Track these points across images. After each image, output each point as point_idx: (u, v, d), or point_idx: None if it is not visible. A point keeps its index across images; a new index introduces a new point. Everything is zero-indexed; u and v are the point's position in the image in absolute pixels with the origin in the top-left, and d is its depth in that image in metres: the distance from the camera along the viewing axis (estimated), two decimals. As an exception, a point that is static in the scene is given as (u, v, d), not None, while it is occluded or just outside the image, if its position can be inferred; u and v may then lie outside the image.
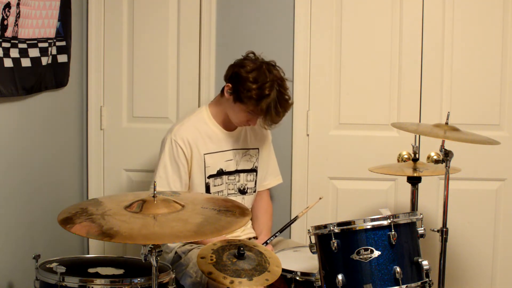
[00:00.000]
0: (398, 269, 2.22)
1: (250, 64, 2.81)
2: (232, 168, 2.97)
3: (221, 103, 2.93)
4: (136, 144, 3.52)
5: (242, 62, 2.84)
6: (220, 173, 2.94)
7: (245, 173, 3.01)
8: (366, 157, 3.38)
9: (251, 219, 3.11)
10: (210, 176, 2.92)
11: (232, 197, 2.95)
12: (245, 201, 3.02)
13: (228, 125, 2.97)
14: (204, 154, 2.89)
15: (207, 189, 2.91)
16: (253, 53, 2.87)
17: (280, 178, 3.22)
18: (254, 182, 3.05)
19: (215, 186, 2.93)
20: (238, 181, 3.00)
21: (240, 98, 2.79)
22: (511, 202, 3.42)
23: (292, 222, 2.89)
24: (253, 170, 3.04)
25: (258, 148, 3.06)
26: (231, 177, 2.97)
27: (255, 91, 2.74)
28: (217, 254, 2.35)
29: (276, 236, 2.85)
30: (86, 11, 3.46)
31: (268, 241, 2.83)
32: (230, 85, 2.84)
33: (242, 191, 3.01)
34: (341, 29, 3.40)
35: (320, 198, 2.88)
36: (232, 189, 2.98)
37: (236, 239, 2.62)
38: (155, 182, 2.24)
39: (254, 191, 3.07)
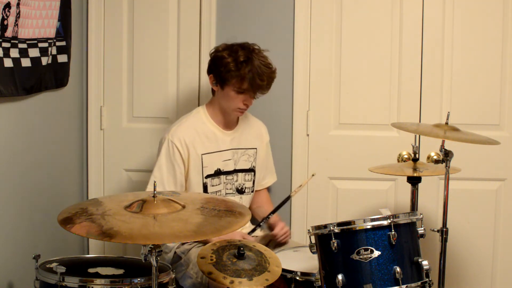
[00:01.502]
0: (398, 269, 2.22)
1: (222, 46, 2.93)
2: (230, 168, 2.97)
3: (215, 101, 2.97)
4: (136, 144, 3.52)
5: (215, 49, 2.96)
6: (218, 173, 2.94)
7: (243, 173, 3.02)
8: (366, 157, 3.38)
9: (253, 215, 3.12)
10: (208, 176, 2.92)
11: (230, 197, 2.96)
12: (243, 200, 3.02)
13: (226, 124, 2.97)
14: (202, 154, 2.90)
15: (205, 189, 2.91)
16: (224, 43, 2.95)
17: (275, 176, 3.25)
18: (252, 182, 3.05)
19: (212, 186, 2.93)
20: (236, 180, 3.00)
21: (223, 79, 2.84)
22: (511, 202, 3.43)
23: (285, 202, 2.90)
24: (251, 170, 3.04)
25: (256, 148, 3.06)
26: (229, 177, 2.97)
27: (232, 63, 2.81)
28: (217, 254, 2.35)
29: (268, 218, 2.88)
30: (86, 11, 3.46)
31: (261, 224, 2.86)
32: (212, 75, 2.91)
33: (240, 191, 3.02)
34: (341, 29, 3.40)
35: (313, 175, 2.89)
36: (230, 189, 2.98)
37: (236, 239, 2.62)
38: (155, 182, 2.24)
39: (252, 191, 3.07)
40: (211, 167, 2.92)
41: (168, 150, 2.86)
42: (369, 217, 2.29)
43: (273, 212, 2.90)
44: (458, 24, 3.35)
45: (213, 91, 2.98)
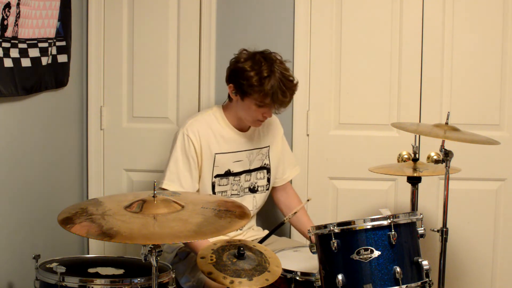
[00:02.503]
0: (398, 269, 2.22)
1: (243, 56, 2.83)
2: (240, 169, 2.95)
3: (231, 107, 2.92)
4: (136, 144, 3.52)
5: (236, 58, 2.86)
6: (227, 173, 2.92)
7: (255, 172, 3.00)
8: (366, 157, 3.38)
9: (291, 222, 3.10)
10: (217, 176, 2.90)
11: (235, 198, 2.94)
12: (256, 199, 3.01)
13: (241, 126, 2.94)
14: (216, 153, 2.88)
15: (213, 189, 2.90)
16: (245, 50, 2.87)
17: (297, 169, 3.21)
18: (266, 180, 3.04)
19: (219, 185, 2.91)
20: (248, 180, 2.98)
21: (245, 92, 2.78)
22: (511, 202, 3.42)
23: (279, 227, 2.84)
24: (263, 168, 3.02)
25: (268, 146, 3.04)
26: (236, 178, 2.96)
27: (255, 77, 2.74)
28: (217, 254, 2.35)
29: (264, 241, 2.84)
30: (86, 11, 3.46)
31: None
32: (232, 85, 2.84)
33: (252, 190, 3.00)
34: (341, 29, 3.40)
35: (308, 200, 2.85)
36: (236, 190, 2.97)
37: (236, 239, 2.62)
38: (155, 182, 2.23)
39: (267, 189, 3.05)
40: (222, 167, 2.91)
41: (184, 144, 2.83)
42: (369, 217, 2.28)
43: (268, 236, 2.85)
44: (458, 24, 3.35)
45: (229, 97, 2.91)
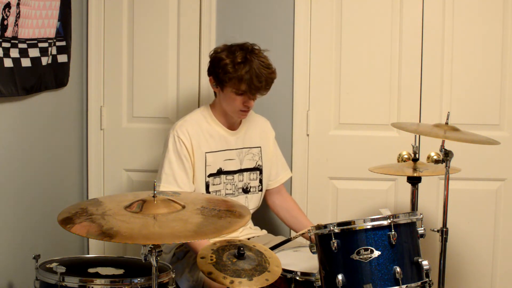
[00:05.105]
0: (398, 269, 2.22)
1: (221, 47, 2.90)
2: (233, 168, 2.96)
3: (217, 103, 2.95)
4: (136, 144, 3.52)
5: (214, 50, 2.93)
6: (219, 172, 2.94)
7: (248, 172, 3.01)
8: (366, 157, 3.38)
9: (290, 225, 3.11)
10: (210, 175, 2.91)
11: (230, 197, 2.95)
12: (249, 200, 3.01)
13: (230, 125, 2.97)
14: (206, 152, 2.89)
15: (207, 188, 2.91)
16: (224, 44, 2.93)
17: (289, 171, 3.23)
18: (258, 181, 3.04)
19: (213, 185, 2.92)
20: (241, 180, 2.99)
21: (222, 80, 2.82)
22: (511, 202, 3.43)
23: (286, 243, 2.82)
24: (256, 169, 3.04)
25: (260, 147, 3.05)
26: (229, 177, 2.97)
27: (230, 64, 2.79)
28: (217, 254, 2.35)
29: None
30: (86, 11, 3.46)
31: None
32: (211, 77, 2.89)
33: (245, 190, 3.01)
34: (341, 29, 3.40)
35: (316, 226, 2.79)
36: (230, 189, 2.98)
37: (236, 238, 2.62)
38: (155, 182, 2.23)
39: (260, 190, 3.06)
40: (214, 166, 2.92)
41: (175, 145, 2.85)
42: (369, 217, 2.28)
43: (274, 247, 2.81)
44: (458, 24, 3.35)
45: (215, 93, 2.97)
